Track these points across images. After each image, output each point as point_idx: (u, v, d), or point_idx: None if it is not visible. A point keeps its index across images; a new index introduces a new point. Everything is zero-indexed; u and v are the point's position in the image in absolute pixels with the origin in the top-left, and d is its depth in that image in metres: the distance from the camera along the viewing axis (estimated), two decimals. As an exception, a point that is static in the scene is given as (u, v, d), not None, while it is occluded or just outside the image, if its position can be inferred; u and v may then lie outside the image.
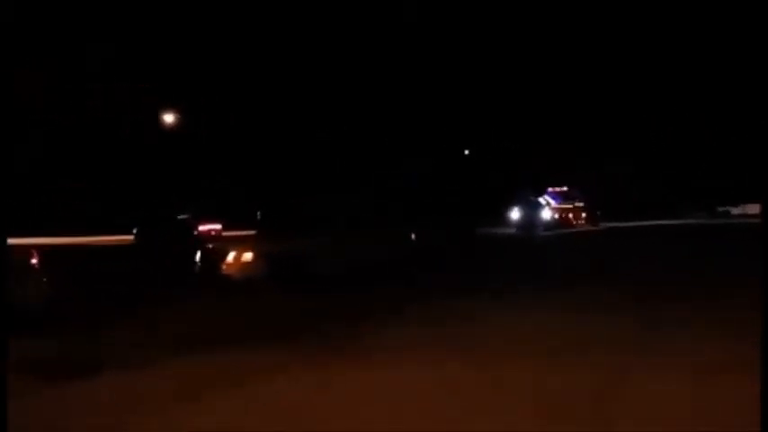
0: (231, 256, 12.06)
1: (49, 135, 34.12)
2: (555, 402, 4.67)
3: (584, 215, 40.18)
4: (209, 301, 10.61)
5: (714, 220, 43.12)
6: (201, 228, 30.39)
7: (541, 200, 37.38)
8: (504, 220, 36.56)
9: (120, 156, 37.09)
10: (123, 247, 24.08)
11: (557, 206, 38.09)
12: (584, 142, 52.17)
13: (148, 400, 5.06)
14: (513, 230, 34.78)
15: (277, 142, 43.11)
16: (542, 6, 46.99)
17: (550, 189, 40.14)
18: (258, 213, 32.17)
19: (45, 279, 9.06)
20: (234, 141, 41.99)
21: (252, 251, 12.11)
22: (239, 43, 41.31)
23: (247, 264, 11.90)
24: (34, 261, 9.08)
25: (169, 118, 34.79)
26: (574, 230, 35.28)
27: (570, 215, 38.99)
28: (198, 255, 12.88)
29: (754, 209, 46.71)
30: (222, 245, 13.80)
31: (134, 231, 31.45)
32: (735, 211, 50.70)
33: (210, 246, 13.53)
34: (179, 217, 30.60)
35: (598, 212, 42.24)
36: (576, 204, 39.85)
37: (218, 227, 31.58)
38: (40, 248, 10.20)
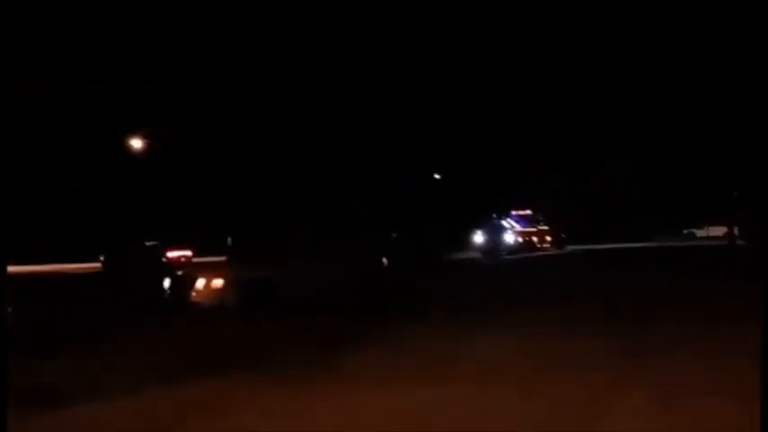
0: (201, 283, 11.94)
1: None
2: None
3: (548, 238, 39.88)
4: (179, 329, 10.47)
5: (680, 243, 43.76)
6: (170, 254, 30.03)
7: (505, 223, 37.45)
8: (468, 243, 36.44)
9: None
10: (90, 275, 23.64)
11: (521, 229, 37.90)
12: (557, 159, 52.73)
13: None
14: (476, 254, 34.65)
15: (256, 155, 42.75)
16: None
17: (514, 212, 40.03)
18: (228, 239, 31.94)
19: (9, 309, 8.86)
20: (211, 156, 41.50)
21: (222, 277, 12.01)
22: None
23: (217, 290, 11.79)
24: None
25: (137, 143, 34.45)
26: (538, 254, 35.18)
27: (534, 238, 38.64)
28: (167, 281, 12.70)
29: (717, 231, 47.81)
30: (192, 271, 13.61)
31: (101, 258, 30.98)
32: (699, 233, 51.81)
33: (180, 272, 13.35)
34: (147, 243, 30.23)
35: (563, 235, 42.11)
36: (541, 227, 39.65)
37: (188, 253, 31.20)
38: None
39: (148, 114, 37.34)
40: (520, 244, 36.39)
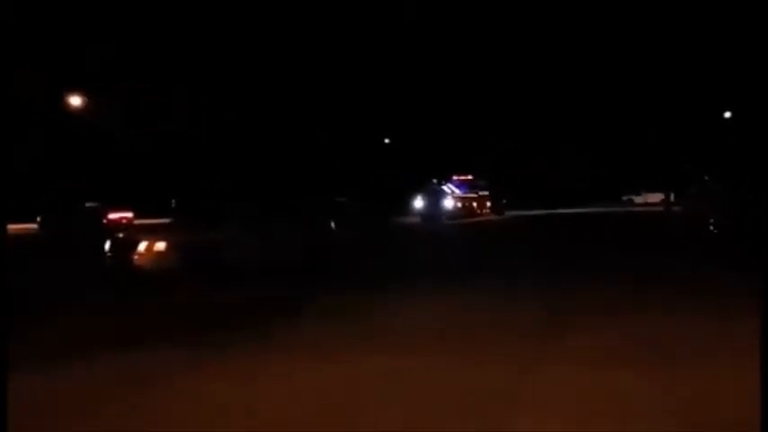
0: (143, 246, 11.60)
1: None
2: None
3: (488, 204, 39.97)
4: (120, 296, 10.28)
5: (618, 208, 45.03)
6: (111, 216, 29.29)
7: (445, 188, 37.20)
8: (409, 208, 36.45)
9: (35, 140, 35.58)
10: (26, 237, 22.87)
11: (461, 195, 37.69)
12: (506, 129, 53.55)
13: (69, 401, 4.88)
14: (416, 219, 34.84)
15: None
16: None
17: (455, 177, 39.86)
18: (173, 201, 31.28)
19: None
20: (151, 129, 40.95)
21: (165, 240, 11.70)
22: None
23: (160, 254, 11.49)
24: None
25: (75, 101, 33.27)
26: (477, 220, 35.14)
27: (474, 204, 38.54)
28: (107, 244, 12.36)
29: (654, 197, 49.53)
30: (133, 233, 13.26)
31: (38, 220, 29.90)
32: (637, 199, 53.47)
33: (121, 235, 13.00)
34: (87, 204, 29.38)
35: (504, 201, 42.27)
36: (481, 193, 39.61)
37: (129, 215, 30.48)
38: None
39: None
40: (459, 210, 36.21)
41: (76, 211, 28.62)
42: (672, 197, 42.31)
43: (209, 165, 40.51)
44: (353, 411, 4.48)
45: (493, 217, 37.60)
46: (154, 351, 6.35)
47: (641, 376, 5.00)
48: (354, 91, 46.96)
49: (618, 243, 18.30)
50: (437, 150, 50.40)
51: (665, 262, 12.77)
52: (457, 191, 37.72)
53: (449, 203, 35.79)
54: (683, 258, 13.36)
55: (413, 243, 21.69)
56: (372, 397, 4.77)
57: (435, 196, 35.74)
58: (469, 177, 40.27)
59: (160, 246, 11.51)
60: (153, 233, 12.75)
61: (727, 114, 48.37)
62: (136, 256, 11.46)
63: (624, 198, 54.39)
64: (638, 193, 53.99)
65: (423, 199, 35.80)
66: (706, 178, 35.10)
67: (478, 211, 38.38)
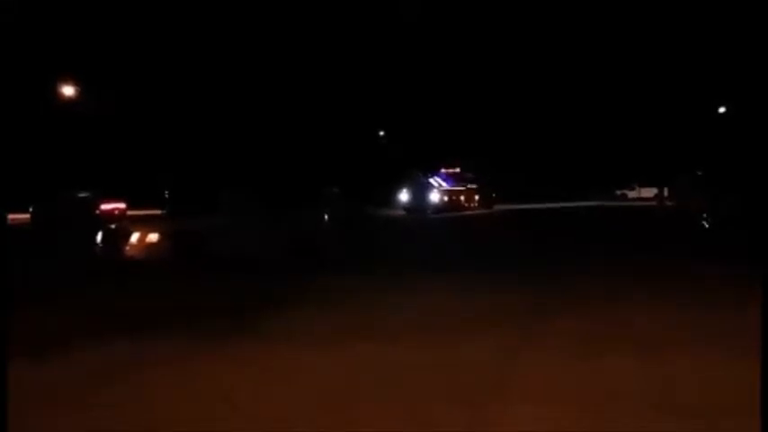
0: (135, 237, 11.62)
1: None
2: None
3: (477, 197, 38.82)
4: (110, 286, 10.25)
5: (612, 203, 44.84)
6: (104, 206, 29.14)
7: (432, 181, 36.25)
8: (394, 201, 35.79)
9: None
10: (17, 227, 22.75)
11: (448, 188, 36.59)
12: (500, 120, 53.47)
13: (62, 389, 4.87)
14: (401, 212, 34.18)
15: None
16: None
17: (443, 169, 38.78)
18: (166, 192, 31.20)
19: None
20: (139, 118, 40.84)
21: (158, 231, 11.72)
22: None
23: (153, 245, 11.51)
24: None
25: (68, 90, 33.12)
26: (464, 214, 34.08)
27: (462, 197, 37.40)
28: (99, 235, 12.34)
29: (648, 192, 49.61)
30: (126, 224, 13.23)
31: (30, 209, 29.77)
32: (631, 194, 53.55)
33: (113, 225, 12.97)
34: (80, 195, 29.21)
35: (493, 194, 41.28)
36: (469, 186, 38.54)
37: (122, 206, 30.31)
38: None
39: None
40: (445, 203, 35.27)
41: (68, 200, 28.46)
42: (665, 192, 42.41)
43: (203, 154, 40.40)
44: (344, 401, 4.50)
45: (481, 211, 36.64)
46: (138, 341, 6.34)
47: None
48: (348, 82, 46.88)
49: (604, 242, 17.45)
50: (428, 142, 50.21)
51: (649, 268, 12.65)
52: (444, 184, 36.72)
53: (434, 196, 34.94)
54: (670, 258, 13.35)
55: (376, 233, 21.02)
56: (364, 385, 4.79)
57: (421, 189, 34.92)
58: (457, 170, 39.23)
59: (153, 237, 11.53)
60: (146, 224, 12.76)
61: (722, 110, 48.50)
62: (128, 247, 11.46)
63: (618, 192, 54.40)
64: (632, 188, 54.06)
65: (408, 191, 35.11)
66: (699, 173, 35.19)
67: (466, 205, 37.35)
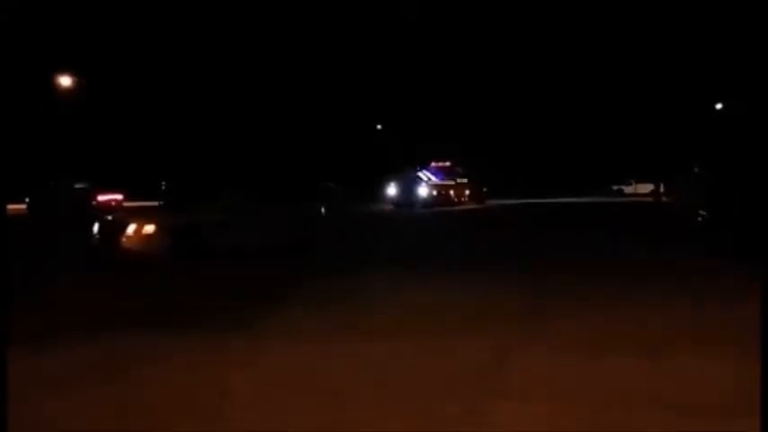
0: (132, 229, 11.54)
1: None
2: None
3: (467, 192, 38.05)
4: (107, 279, 10.22)
5: (607, 199, 44.75)
6: (101, 198, 29.11)
7: (421, 175, 35.59)
8: (382, 196, 35.32)
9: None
10: (13, 218, 22.67)
11: (437, 182, 35.79)
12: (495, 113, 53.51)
13: (54, 383, 4.86)
14: (389, 207, 33.76)
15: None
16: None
17: (433, 163, 37.89)
18: (163, 184, 31.14)
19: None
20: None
21: (155, 223, 11.65)
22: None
23: (149, 237, 11.44)
24: None
25: (66, 81, 32.97)
26: (453, 209, 32.99)
27: (452, 192, 36.54)
28: (96, 226, 12.27)
29: (645, 188, 49.64)
30: (123, 216, 13.16)
31: (26, 200, 29.63)
32: (627, 189, 53.60)
33: (110, 217, 12.91)
34: (76, 186, 29.15)
35: (484, 189, 40.48)
36: (459, 181, 37.77)
37: (119, 197, 30.30)
38: None
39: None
40: (435, 198, 34.45)
41: (65, 191, 28.37)
42: (662, 187, 42.46)
43: (200, 149, 40.43)
44: (338, 395, 4.50)
45: (472, 206, 35.72)
46: (133, 336, 6.31)
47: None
48: (346, 80, 46.86)
49: (599, 236, 17.41)
50: (420, 136, 50.09)
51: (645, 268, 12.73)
52: (433, 178, 35.90)
53: (423, 191, 34.27)
54: (664, 255, 13.39)
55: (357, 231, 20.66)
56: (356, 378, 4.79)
57: (409, 183, 34.33)
58: (447, 164, 38.19)
59: (149, 228, 11.47)
60: (143, 215, 12.72)
61: (719, 106, 48.58)
62: (125, 239, 11.40)
63: (614, 188, 54.43)
64: (628, 183, 54.09)
65: (396, 186, 34.50)
66: (696, 169, 35.25)
67: (456, 200, 36.45)
